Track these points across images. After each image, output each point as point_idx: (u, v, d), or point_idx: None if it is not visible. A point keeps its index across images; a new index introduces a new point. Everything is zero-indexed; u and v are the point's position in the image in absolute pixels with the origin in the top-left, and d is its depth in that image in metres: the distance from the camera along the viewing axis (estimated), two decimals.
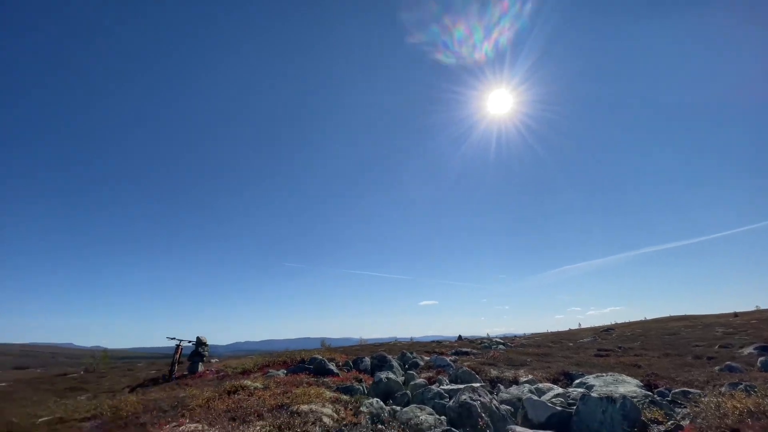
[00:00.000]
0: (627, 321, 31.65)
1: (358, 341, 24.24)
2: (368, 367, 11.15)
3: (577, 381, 9.00)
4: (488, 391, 8.31)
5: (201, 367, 11.76)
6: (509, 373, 10.36)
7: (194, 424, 5.20)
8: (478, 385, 7.85)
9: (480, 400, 6.50)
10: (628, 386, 8.07)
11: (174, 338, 11.95)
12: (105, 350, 15.11)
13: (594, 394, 6.48)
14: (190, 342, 12.11)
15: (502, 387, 9.06)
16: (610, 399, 6.17)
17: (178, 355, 11.76)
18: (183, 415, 6.11)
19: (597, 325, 31.38)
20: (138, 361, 22.31)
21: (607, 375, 8.98)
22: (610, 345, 17.16)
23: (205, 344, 12.09)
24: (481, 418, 6.03)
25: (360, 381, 9.03)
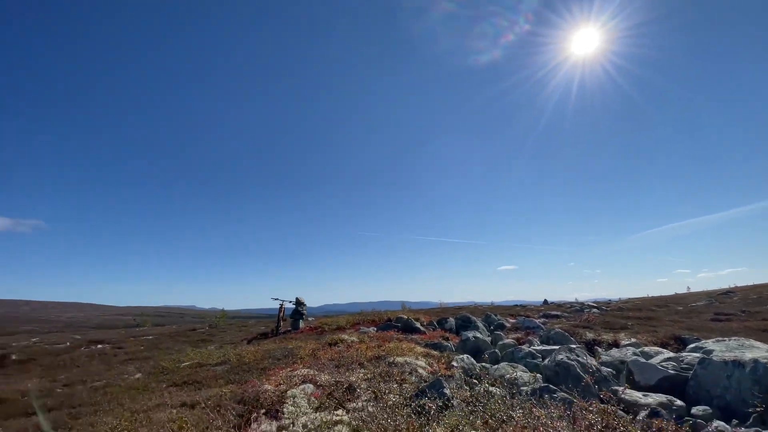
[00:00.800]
0: (751, 284, 27.26)
1: (437, 305, 24.73)
2: (453, 327, 11.39)
3: (692, 345, 8.13)
4: (585, 353, 7.96)
5: (302, 324, 13.13)
6: (608, 336, 9.75)
7: (306, 370, 5.88)
8: (575, 346, 7.55)
9: (578, 360, 6.27)
10: (758, 351, 7.07)
11: (277, 299, 13.45)
12: (223, 310, 17.58)
13: (715, 359, 5.81)
14: (290, 302, 13.53)
15: (600, 350, 8.60)
16: (737, 363, 5.49)
17: (281, 314, 13.25)
18: (295, 362, 6.93)
19: (712, 288, 27.57)
20: (248, 319, 25.68)
21: (729, 340, 7.95)
22: (730, 309, 15.04)
23: (303, 304, 13.41)
24: (580, 378, 5.83)
25: (447, 339, 9.28)
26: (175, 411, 4.79)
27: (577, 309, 16.99)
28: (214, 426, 3.87)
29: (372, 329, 11.13)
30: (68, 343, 11.87)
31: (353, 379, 5.16)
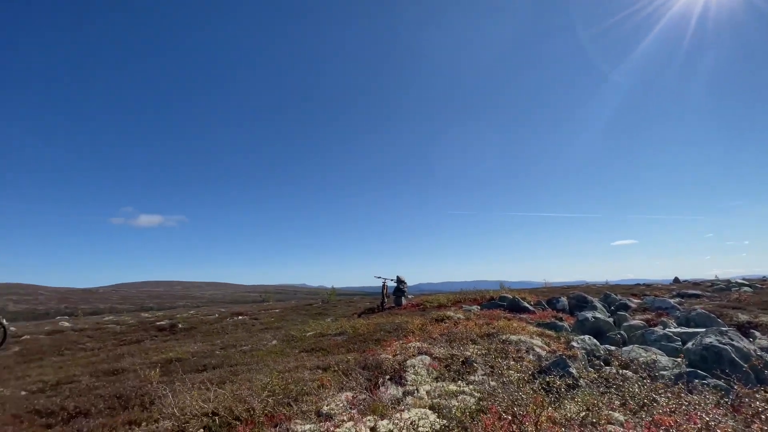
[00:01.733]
0: None
1: (540, 284, 23.28)
2: (566, 306, 10.65)
3: None
4: (740, 336, 6.76)
5: (404, 301, 13.69)
6: (767, 318, 8.12)
7: (418, 343, 6.15)
8: (725, 329, 6.46)
9: (732, 344, 5.37)
10: None
11: (380, 277, 14.22)
12: (332, 288, 19.23)
13: None
14: (392, 280, 14.16)
15: (758, 333, 7.23)
16: None
17: (385, 291, 13.98)
18: (405, 336, 7.30)
19: None
20: (352, 296, 27.74)
21: None
22: None
23: (404, 282, 13.94)
24: (736, 364, 5.00)
25: (560, 319, 8.74)
26: (309, 372, 5.49)
27: (721, 287, 14.34)
28: (349, 386, 4.34)
29: (475, 307, 11.04)
30: (217, 315, 14.34)
31: (468, 353, 5.24)
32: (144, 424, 4.05)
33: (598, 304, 10.40)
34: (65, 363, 8.00)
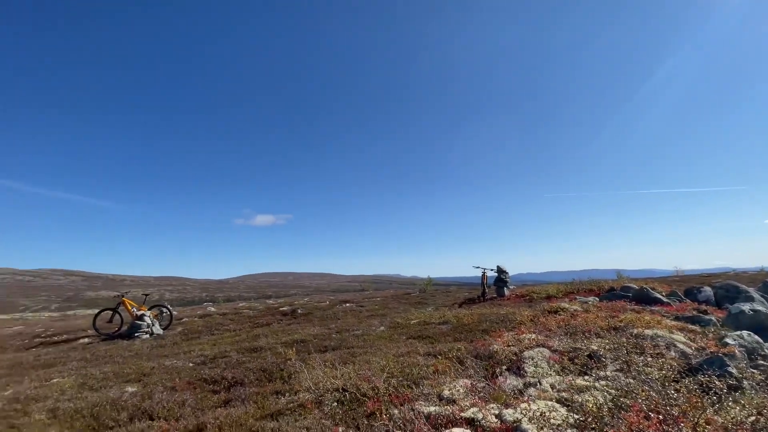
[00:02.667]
0: None
1: (669, 272, 20.04)
2: (710, 298, 9.03)
3: None
4: None
5: (506, 292, 13.15)
6: None
7: (532, 334, 5.88)
8: None
9: None
10: None
11: (479, 267, 13.88)
12: (429, 278, 19.41)
13: None
14: (492, 270, 13.71)
15: None
16: None
17: (485, 281, 13.61)
18: (515, 327, 7.05)
19: None
20: (448, 286, 27.65)
21: None
22: None
23: (505, 272, 13.37)
24: None
25: (704, 312, 7.46)
26: (422, 358, 5.68)
27: None
28: (466, 374, 4.40)
29: (592, 299, 10.07)
30: (327, 302, 15.67)
31: (594, 347, 4.84)
32: (287, 394, 4.67)
33: (756, 295, 8.59)
34: (217, 341, 9.61)
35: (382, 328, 9.35)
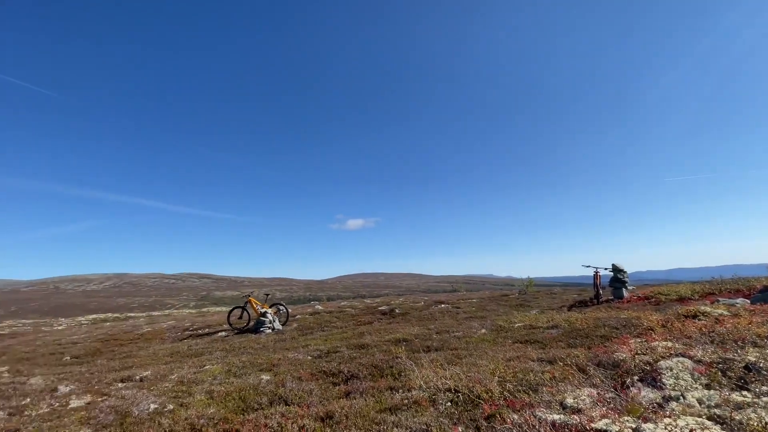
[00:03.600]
0: None
1: None
2: None
3: None
4: None
5: (625, 293, 11.74)
6: None
7: (666, 342, 5.19)
8: None
9: None
10: None
11: (590, 266, 12.63)
12: (529, 278, 18.34)
13: None
14: (606, 269, 12.37)
15: None
16: None
17: (598, 281, 12.33)
18: (642, 333, 6.28)
19: None
20: (550, 286, 25.68)
21: None
22: None
23: (622, 271, 11.95)
24: None
25: None
26: (534, 363, 5.43)
27: None
28: (589, 383, 4.09)
29: (740, 300, 8.43)
30: (422, 303, 15.87)
31: (751, 358, 4.09)
32: (400, 390, 4.90)
33: None
34: (327, 337, 10.47)
35: (483, 330, 9.16)
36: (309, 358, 8.00)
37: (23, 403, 5.50)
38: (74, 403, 5.44)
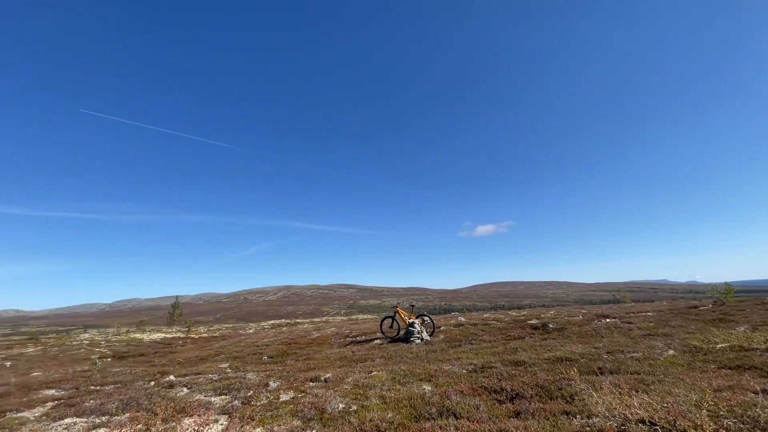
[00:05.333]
0: None
1: None
2: None
3: None
4: None
5: None
6: None
7: None
8: None
9: None
10: None
11: None
12: (727, 284, 14.63)
13: None
14: None
15: None
16: None
17: None
18: None
19: None
20: (760, 294, 19.75)
21: None
22: None
23: None
24: None
25: None
26: (759, 397, 4.33)
27: None
28: None
29: None
30: (581, 316, 14.23)
31: None
32: (578, 416, 4.55)
33: None
34: (477, 351, 10.38)
35: (671, 351, 7.70)
36: (464, 371, 8.07)
37: (248, 394, 7.11)
38: (283, 397, 6.77)
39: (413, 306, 14.45)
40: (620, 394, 4.98)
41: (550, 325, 12.97)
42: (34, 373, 12.86)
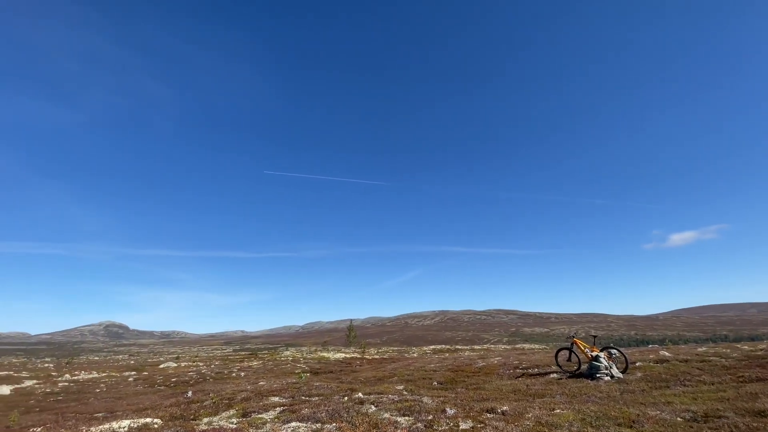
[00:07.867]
0: None
1: None
2: None
3: None
4: None
5: None
6: None
7: None
8: None
9: None
10: None
11: None
12: None
13: None
14: None
15: None
16: None
17: None
18: None
19: None
20: None
21: None
22: None
23: None
24: None
25: None
26: None
27: None
28: None
29: None
30: None
31: None
32: None
33: None
34: (695, 394, 8.30)
35: None
36: (679, 419, 6.59)
37: (429, 418, 7.47)
38: (462, 425, 6.86)
39: (595, 337, 12.63)
40: None
41: None
42: (260, 383, 16.47)
